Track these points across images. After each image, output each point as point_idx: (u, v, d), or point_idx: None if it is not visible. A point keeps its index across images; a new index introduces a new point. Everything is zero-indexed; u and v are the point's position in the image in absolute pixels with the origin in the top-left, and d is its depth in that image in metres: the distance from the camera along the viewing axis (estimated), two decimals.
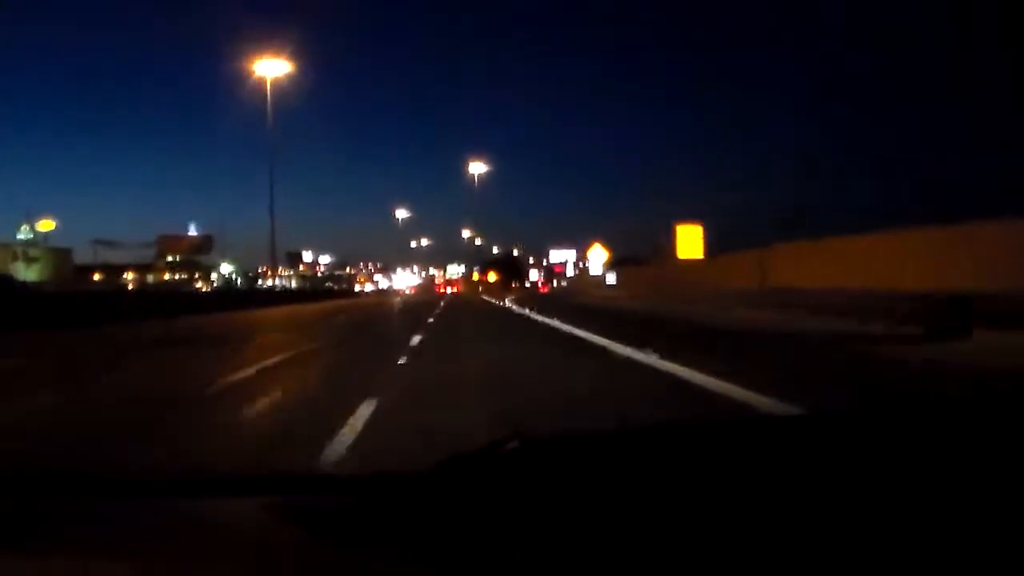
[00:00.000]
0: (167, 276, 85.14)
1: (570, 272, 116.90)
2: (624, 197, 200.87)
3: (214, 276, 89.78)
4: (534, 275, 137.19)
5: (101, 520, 1.21)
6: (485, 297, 56.65)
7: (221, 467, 2.80)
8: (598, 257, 43.77)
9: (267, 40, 47.26)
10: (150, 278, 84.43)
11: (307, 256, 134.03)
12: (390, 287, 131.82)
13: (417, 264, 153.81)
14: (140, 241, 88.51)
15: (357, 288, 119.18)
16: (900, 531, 0.95)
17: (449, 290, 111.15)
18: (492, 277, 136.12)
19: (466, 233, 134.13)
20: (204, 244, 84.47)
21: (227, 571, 1.00)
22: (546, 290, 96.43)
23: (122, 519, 1.21)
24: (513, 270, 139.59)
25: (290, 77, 49.50)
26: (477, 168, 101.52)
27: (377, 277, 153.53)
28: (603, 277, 67.00)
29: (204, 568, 1.01)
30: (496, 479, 1.14)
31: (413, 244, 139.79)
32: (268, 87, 47.29)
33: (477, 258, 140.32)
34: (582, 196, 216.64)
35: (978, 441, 1.17)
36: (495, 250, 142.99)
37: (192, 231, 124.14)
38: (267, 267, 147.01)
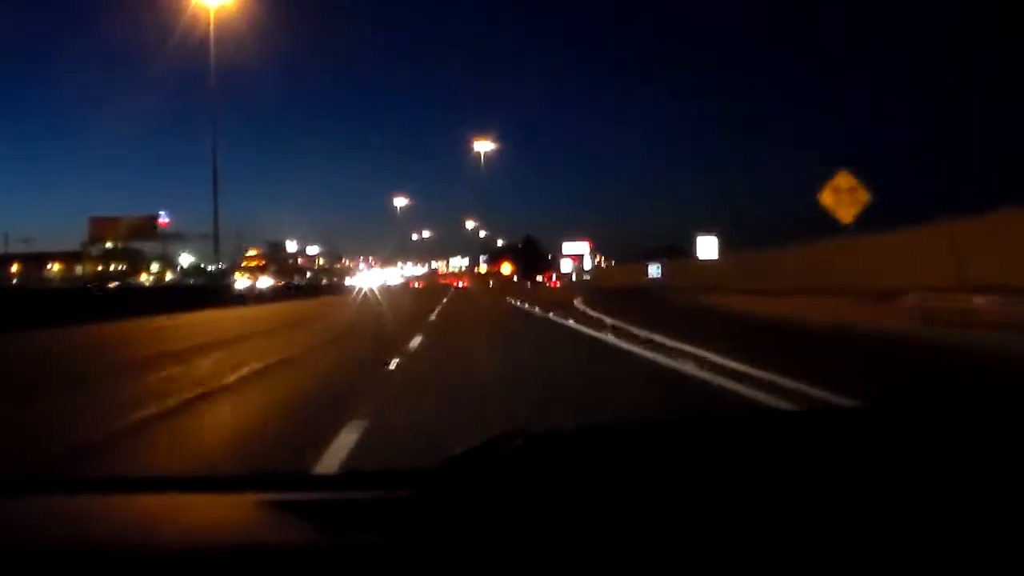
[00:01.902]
0: (101, 267, 70.16)
1: (587, 264, 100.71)
2: (632, 191, 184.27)
3: (155, 267, 74.40)
4: (566, 266, 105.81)
5: (106, 516, 1.22)
6: (511, 300, 32.88)
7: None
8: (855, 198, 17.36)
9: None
10: (79, 270, 69.42)
11: (291, 246, 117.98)
12: (353, 286, 66.12)
13: (417, 257, 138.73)
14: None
15: (245, 282, 57.68)
16: (892, 529, 0.98)
17: (459, 284, 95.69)
18: (506, 269, 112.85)
19: (470, 224, 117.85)
20: (146, 227, 66.62)
21: (241, 568, 1.00)
22: (557, 285, 79.99)
23: (133, 514, 1.23)
24: (533, 260, 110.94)
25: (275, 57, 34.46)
26: (483, 147, 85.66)
27: (375, 270, 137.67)
28: (647, 268, 52.92)
29: (215, 564, 1.01)
30: (500, 476, 1.15)
31: (415, 237, 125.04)
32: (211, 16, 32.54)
33: (485, 249, 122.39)
34: (587, 190, 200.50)
35: (978, 439, 1.19)
36: (499, 243, 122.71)
37: (164, 219, 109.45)
38: (260, 259, 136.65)
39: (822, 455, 1.19)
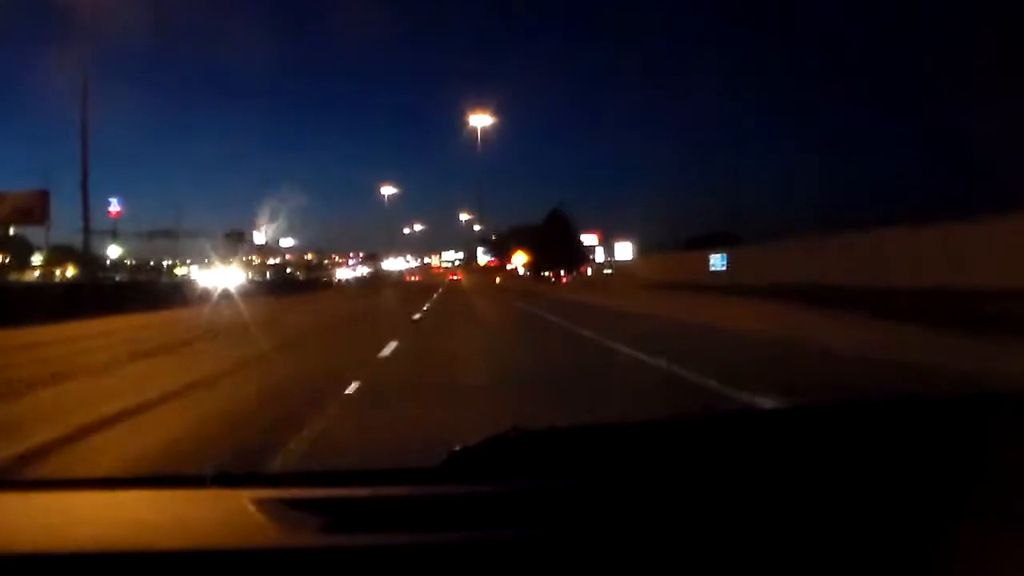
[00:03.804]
0: None
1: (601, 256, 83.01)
2: (641, 183, 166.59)
3: (37, 258, 58.05)
4: (624, 252, 72.09)
5: (98, 513, 1.23)
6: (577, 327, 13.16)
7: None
8: None
9: None
10: None
11: (259, 237, 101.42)
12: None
13: (410, 251, 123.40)
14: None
15: None
16: (879, 521, 1.03)
17: (453, 277, 78.82)
18: (520, 259, 77.65)
19: (464, 217, 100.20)
20: (33, 208, 49.97)
21: (243, 566, 1.02)
22: (566, 282, 63.29)
23: (127, 511, 1.23)
24: (563, 249, 71.76)
25: None
26: (480, 121, 69.24)
27: (360, 269, 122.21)
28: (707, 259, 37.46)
29: (215, 562, 1.03)
30: (496, 470, 1.21)
31: (406, 231, 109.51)
32: None
33: (483, 240, 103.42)
34: (588, 184, 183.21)
35: (962, 437, 1.26)
36: (492, 238, 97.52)
37: (115, 207, 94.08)
38: (254, 255, 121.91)
39: (804, 452, 1.25)
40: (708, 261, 36.82)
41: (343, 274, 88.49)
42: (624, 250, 66.59)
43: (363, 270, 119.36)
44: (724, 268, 35.65)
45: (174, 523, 1.17)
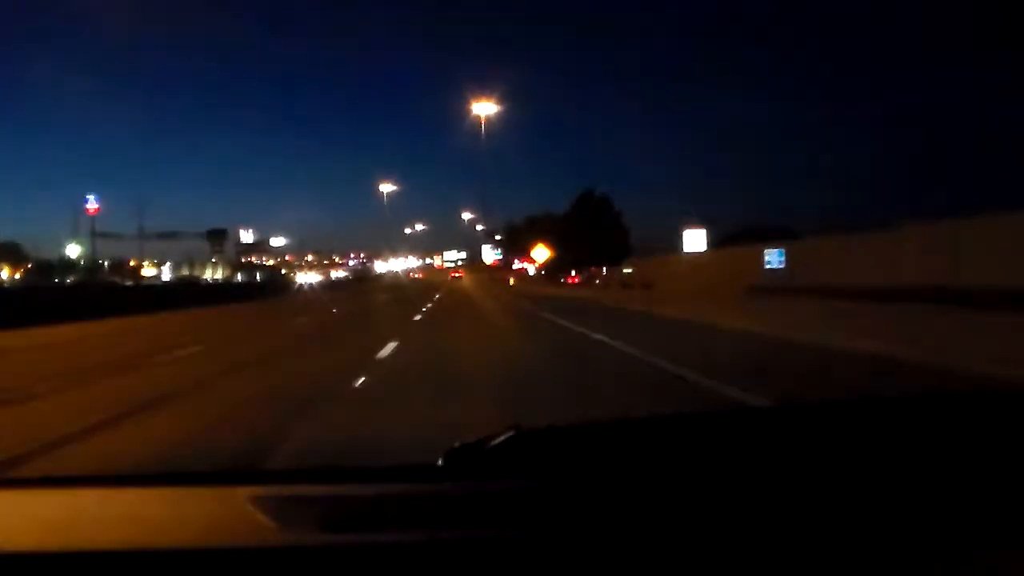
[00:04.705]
0: None
1: None
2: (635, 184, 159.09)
3: None
4: (696, 241, 49.69)
5: (98, 511, 1.23)
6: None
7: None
8: None
9: None
10: None
11: (247, 236, 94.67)
12: None
13: (411, 251, 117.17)
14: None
15: None
16: (873, 515, 1.04)
17: (454, 275, 72.08)
18: (541, 255, 64.28)
19: (467, 215, 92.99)
20: None
21: (257, 558, 1.03)
22: (576, 281, 56.45)
23: (126, 509, 1.23)
24: (601, 241, 55.95)
25: None
26: (484, 109, 62.07)
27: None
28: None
29: (231, 555, 1.03)
30: (496, 468, 1.21)
31: (408, 231, 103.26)
32: None
33: (489, 237, 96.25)
34: (593, 185, 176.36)
35: (946, 434, 1.28)
36: (497, 238, 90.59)
37: (92, 205, 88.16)
38: (257, 255, 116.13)
39: (813, 451, 1.25)
40: (762, 257, 30.19)
41: (304, 278, 79.64)
42: (696, 239, 51.40)
43: (338, 273, 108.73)
44: (782, 266, 29.15)
45: (172, 520, 1.17)
